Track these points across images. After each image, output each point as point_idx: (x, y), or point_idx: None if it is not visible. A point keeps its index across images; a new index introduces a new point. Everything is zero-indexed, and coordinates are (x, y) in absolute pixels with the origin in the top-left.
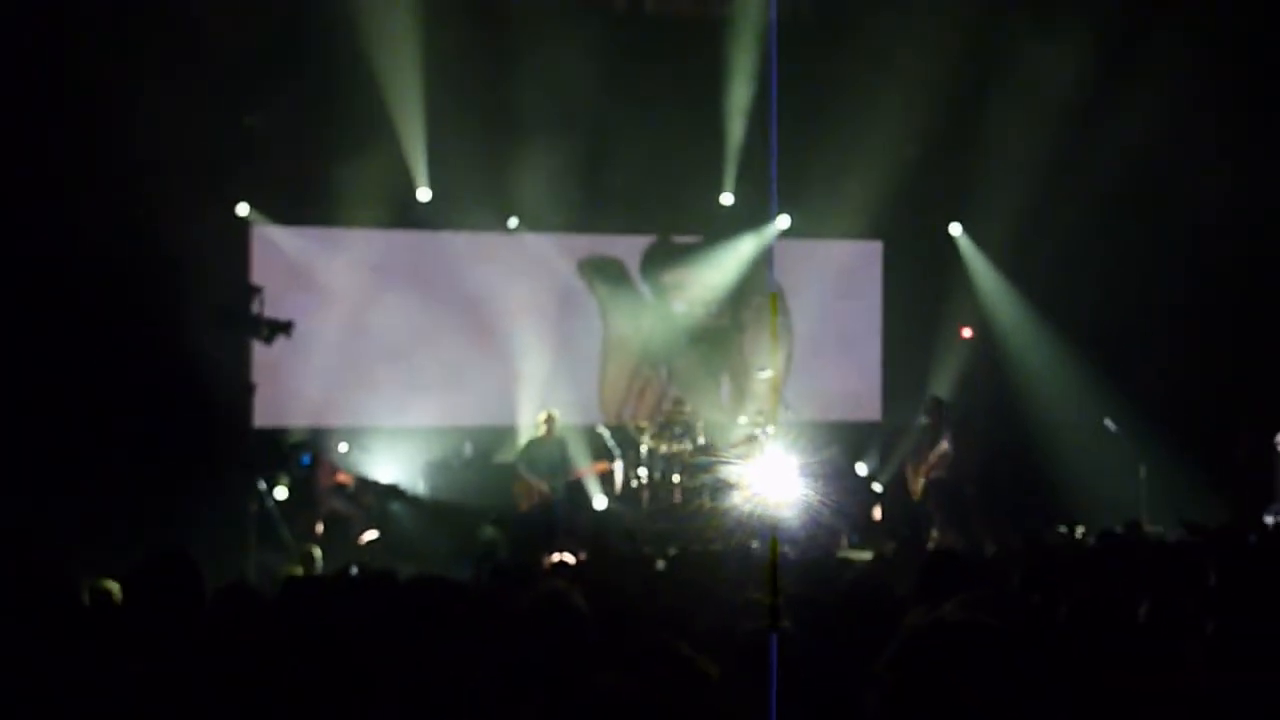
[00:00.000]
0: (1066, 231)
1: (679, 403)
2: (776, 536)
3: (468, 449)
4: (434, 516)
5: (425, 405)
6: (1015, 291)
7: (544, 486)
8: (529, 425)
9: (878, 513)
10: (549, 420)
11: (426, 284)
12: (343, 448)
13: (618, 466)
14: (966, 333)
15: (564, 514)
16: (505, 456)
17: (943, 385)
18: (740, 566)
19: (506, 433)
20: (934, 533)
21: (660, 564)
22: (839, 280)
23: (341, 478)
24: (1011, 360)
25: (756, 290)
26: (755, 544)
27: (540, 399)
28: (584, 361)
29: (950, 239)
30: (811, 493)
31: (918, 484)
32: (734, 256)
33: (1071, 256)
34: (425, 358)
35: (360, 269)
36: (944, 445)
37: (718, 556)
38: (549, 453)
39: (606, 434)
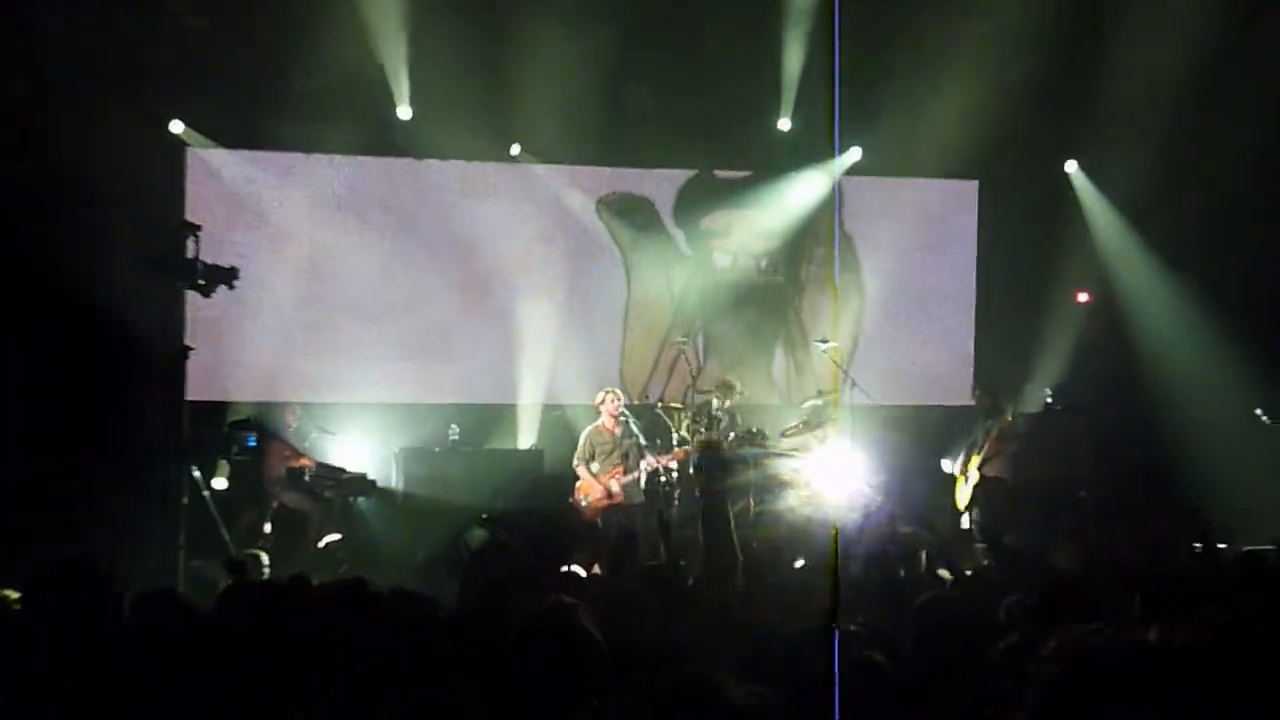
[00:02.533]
0: (1215, 175)
1: (723, 383)
2: (839, 549)
3: (454, 432)
4: (411, 515)
5: (402, 376)
6: (1145, 247)
7: (621, 494)
8: (532, 405)
9: (966, 521)
10: (611, 403)
11: (406, 224)
12: (296, 426)
13: (645, 459)
14: (1083, 298)
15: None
16: (500, 442)
17: (1052, 363)
18: (790, 585)
19: (502, 413)
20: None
21: (690, 580)
22: (923, 229)
23: (296, 464)
24: (1139, 334)
25: (819, 240)
26: (801, 561)
27: (547, 372)
28: (602, 326)
29: (1064, 179)
30: (883, 496)
31: (969, 477)
32: (792, 197)
33: (1220, 207)
34: (403, 317)
35: (323, 204)
36: (1005, 419)
37: (763, 571)
38: (616, 445)
39: (630, 418)
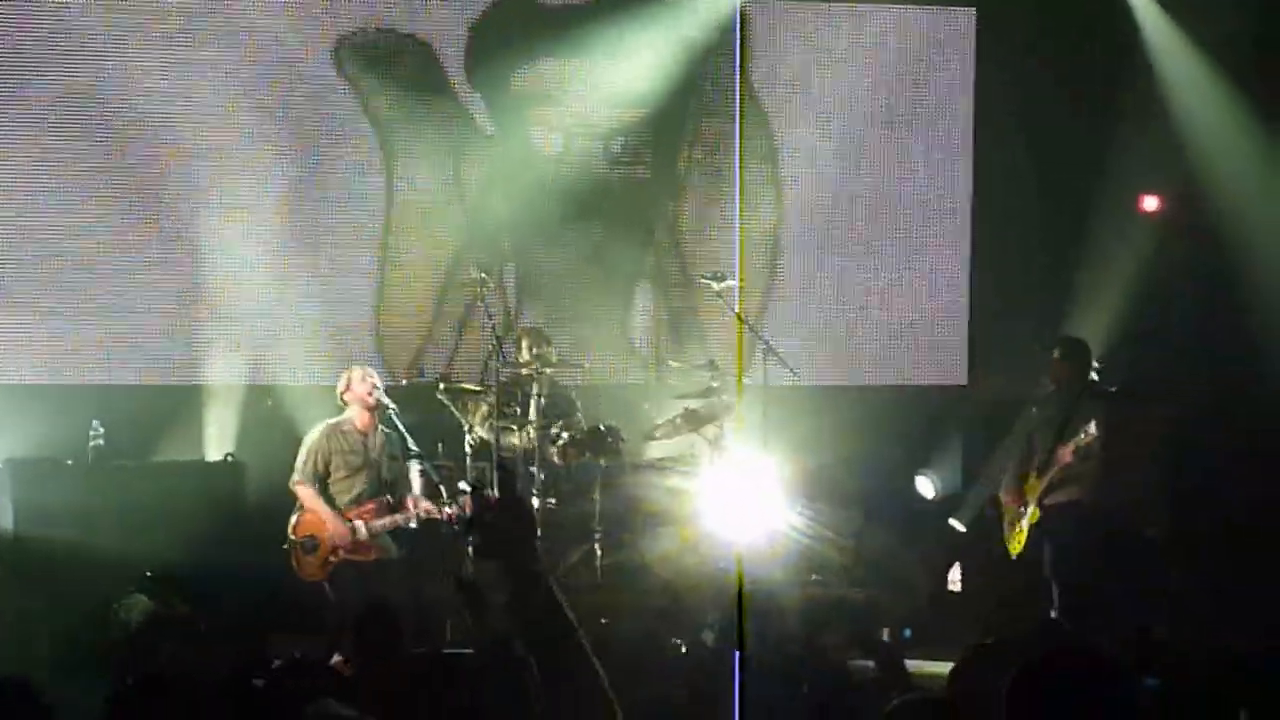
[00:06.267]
0: None
1: (539, 342)
2: (743, 622)
3: (97, 433)
4: (25, 572)
5: (5, 345)
6: (1254, 119)
7: (370, 543)
8: (226, 389)
9: (956, 574)
10: (362, 385)
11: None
12: None
13: (415, 473)
14: (1150, 203)
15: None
16: (175, 449)
17: (1097, 316)
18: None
19: (178, 402)
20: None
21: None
22: (885, 90)
23: None
24: (1244, 266)
25: (710, 110)
26: (707, 634)
27: (250, 335)
28: (343, 256)
29: (1116, 5)
30: (817, 531)
31: (1021, 515)
32: (663, 37)
33: None
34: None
35: None
36: (1089, 430)
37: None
38: (367, 457)
39: (393, 407)
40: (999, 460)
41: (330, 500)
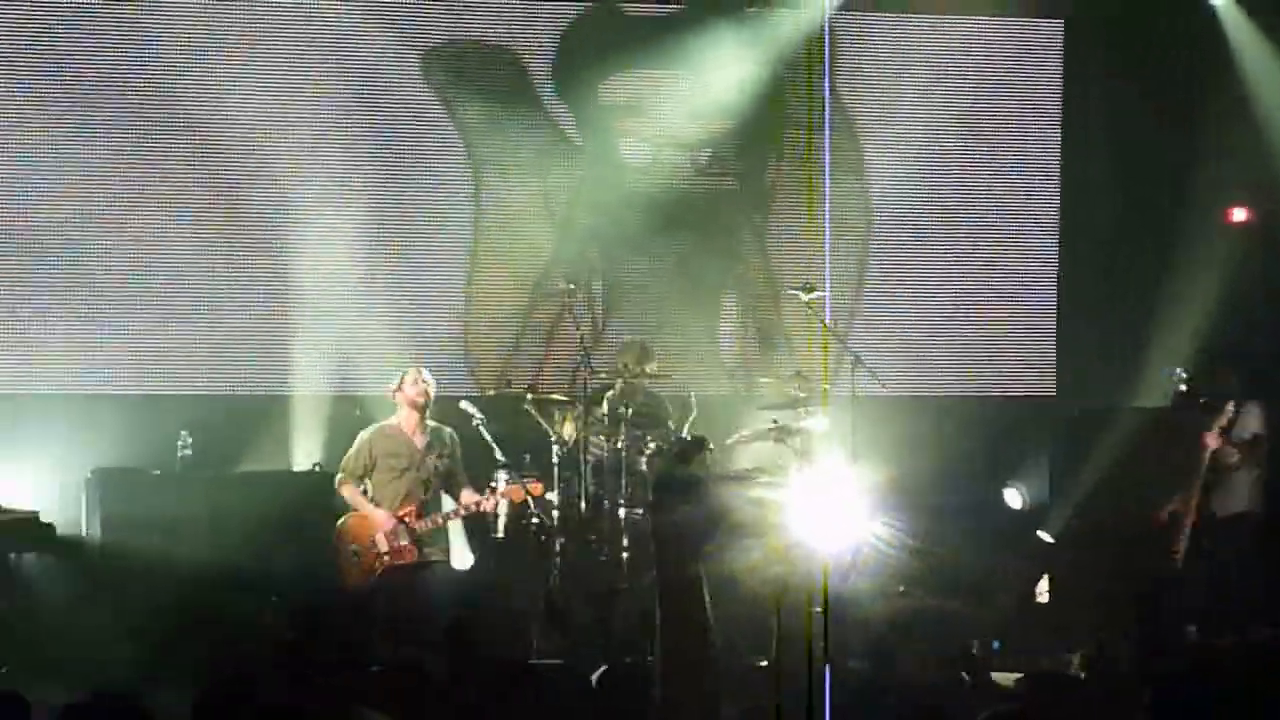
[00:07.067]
0: None
1: (635, 353)
2: (828, 634)
3: (185, 443)
4: (112, 583)
5: (94, 350)
6: None
7: (412, 547)
8: (314, 398)
9: (1044, 586)
10: (414, 387)
11: (95, 94)
12: None
13: (502, 483)
14: (1239, 215)
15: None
16: (264, 459)
17: (1185, 324)
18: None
19: (265, 411)
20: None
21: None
22: (973, 100)
23: None
24: None
25: (797, 122)
26: (794, 646)
27: (338, 344)
28: (430, 267)
29: (1204, 15)
30: (904, 542)
31: (1186, 519)
32: (751, 50)
33: None
34: (91, 254)
35: None
36: (1252, 425)
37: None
38: (413, 459)
39: (480, 418)
40: (1099, 473)
41: (374, 501)
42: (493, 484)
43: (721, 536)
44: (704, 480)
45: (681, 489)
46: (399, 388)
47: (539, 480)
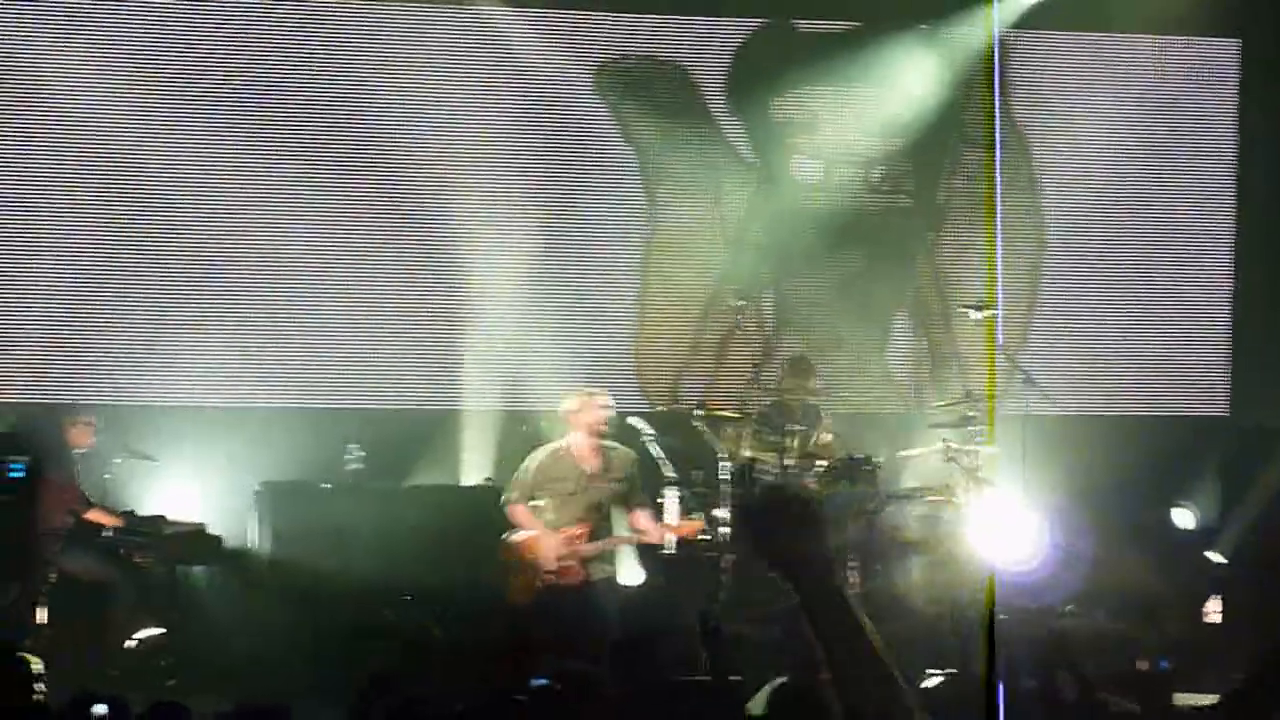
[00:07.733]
0: None
1: (801, 370)
2: (994, 652)
3: (354, 456)
4: (281, 596)
5: (265, 364)
6: None
7: (564, 556)
8: (484, 414)
9: (1214, 606)
10: (591, 413)
11: (269, 106)
12: (91, 446)
13: (671, 500)
14: None
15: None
16: (433, 473)
17: None
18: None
19: (435, 426)
20: None
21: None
22: (1146, 119)
23: (94, 515)
24: None
25: (969, 139)
26: (961, 666)
27: (507, 360)
28: (601, 283)
29: None
30: (1072, 561)
31: None
32: (922, 68)
33: None
34: (263, 267)
35: (128, 72)
36: None
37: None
38: (580, 484)
39: (650, 434)
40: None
41: (545, 520)
42: (660, 499)
43: (841, 553)
44: (811, 500)
45: (793, 510)
46: (576, 410)
47: (700, 520)
